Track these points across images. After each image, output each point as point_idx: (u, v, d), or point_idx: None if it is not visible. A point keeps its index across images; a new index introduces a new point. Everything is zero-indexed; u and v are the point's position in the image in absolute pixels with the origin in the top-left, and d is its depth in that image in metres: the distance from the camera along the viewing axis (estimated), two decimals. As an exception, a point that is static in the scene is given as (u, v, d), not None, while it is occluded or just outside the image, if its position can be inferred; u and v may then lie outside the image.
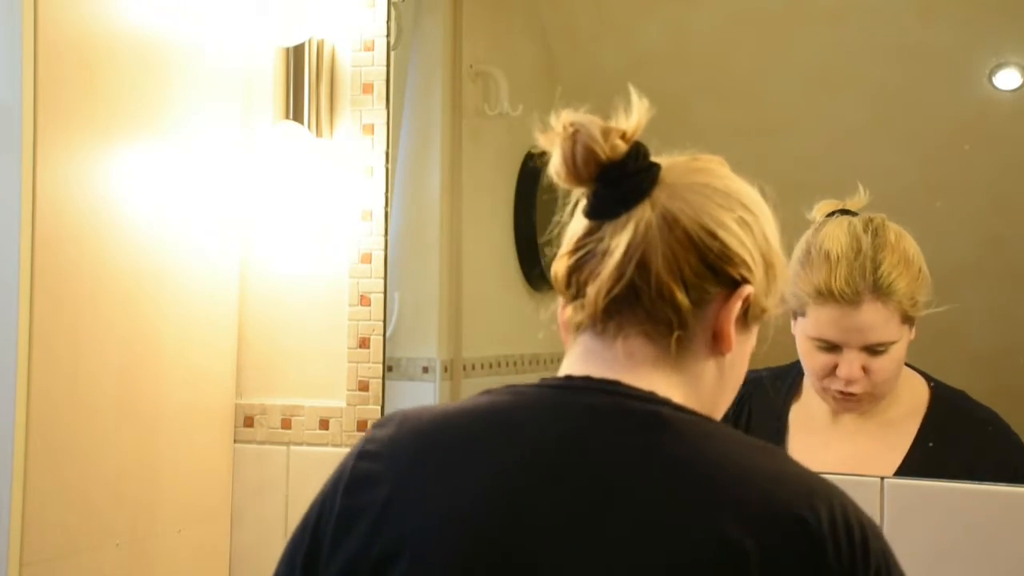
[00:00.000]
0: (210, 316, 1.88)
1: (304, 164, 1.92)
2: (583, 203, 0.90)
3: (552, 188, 0.94)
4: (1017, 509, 1.44)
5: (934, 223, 1.79)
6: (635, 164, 0.87)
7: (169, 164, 1.78)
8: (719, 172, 0.93)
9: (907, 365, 1.50)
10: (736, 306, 0.89)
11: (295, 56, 1.90)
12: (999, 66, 1.79)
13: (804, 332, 1.43)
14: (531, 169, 2.05)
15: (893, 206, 1.84)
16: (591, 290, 0.88)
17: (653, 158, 0.90)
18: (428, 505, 0.84)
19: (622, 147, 0.87)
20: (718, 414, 0.95)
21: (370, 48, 1.90)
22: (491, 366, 2.03)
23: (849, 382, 1.41)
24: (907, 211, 1.82)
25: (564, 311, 0.92)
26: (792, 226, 1.59)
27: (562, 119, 0.88)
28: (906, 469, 1.46)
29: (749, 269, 0.89)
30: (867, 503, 1.48)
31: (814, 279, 1.40)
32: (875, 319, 1.38)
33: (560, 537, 0.80)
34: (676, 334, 0.87)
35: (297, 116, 1.89)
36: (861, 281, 1.38)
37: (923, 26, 1.86)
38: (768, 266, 0.91)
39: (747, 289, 0.89)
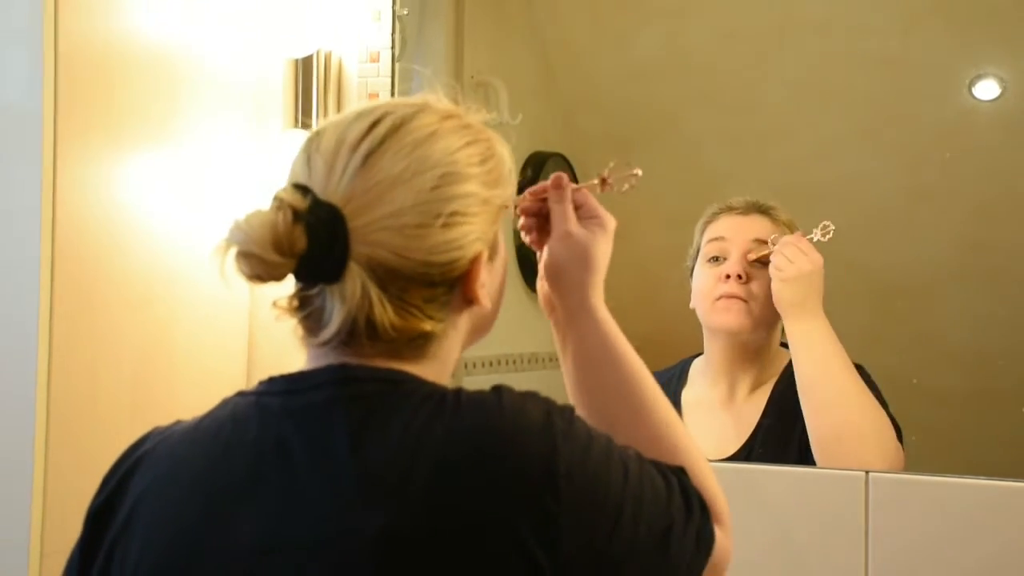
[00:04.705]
0: (221, 319, 1.90)
1: (312, 171, 1.94)
2: None
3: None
4: (1000, 501, 1.45)
5: (917, 228, 1.81)
6: (321, 246, 0.77)
7: (182, 170, 1.80)
8: (393, 167, 0.81)
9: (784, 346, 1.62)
10: (477, 274, 0.84)
11: (304, 67, 1.93)
12: (978, 77, 1.83)
13: (702, 257, 1.63)
14: (530, 176, 2.07)
15: (877, 211, 1.86)
16: (323, 335, 0.82)
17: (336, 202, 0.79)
18: (149, 545, 0.81)
19: (301, 243, 0.77)
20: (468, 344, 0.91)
21: (376, 59, 1.93)
22: (491, 365, 2.05)
23: (734, 277, 1.57)
24: (891, 216, 1.85)
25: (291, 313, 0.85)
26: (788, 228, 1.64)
27: (225, 237, 0.77)
28: (766, 416, 1.59)
29: (478, 239, 0.83)
30: (851, 496, 1.49)
31: (717, 206, 1.66)
32: (761, 224, 1.62)
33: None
34: (431, 345, 0.83)
35: (305, 124, 1.92)
36: (752, 201, 1.64)
37: (906, 39, 1.90)
38: (490, 195, 0.85)
39: (481, 260, 0.83)
